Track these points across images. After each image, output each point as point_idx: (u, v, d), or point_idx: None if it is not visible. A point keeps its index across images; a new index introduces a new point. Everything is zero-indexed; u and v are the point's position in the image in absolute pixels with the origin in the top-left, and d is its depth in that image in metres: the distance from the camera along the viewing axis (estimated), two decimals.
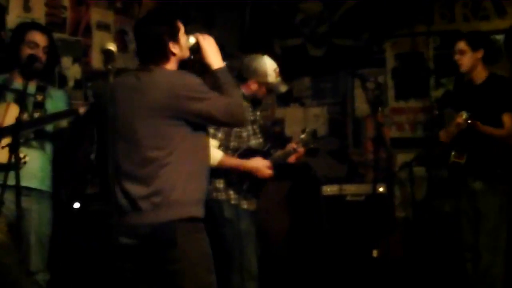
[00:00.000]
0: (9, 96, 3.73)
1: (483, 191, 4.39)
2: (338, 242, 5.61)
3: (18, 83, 3.75)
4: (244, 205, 4.06)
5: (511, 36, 5.82)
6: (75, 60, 4.99)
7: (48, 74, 4.07)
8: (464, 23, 6.03)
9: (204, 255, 2.92)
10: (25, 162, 3.53)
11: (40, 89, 3.81)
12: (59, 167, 3.91)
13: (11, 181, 3.20)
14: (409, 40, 6.30)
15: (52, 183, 3.85)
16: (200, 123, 2.94)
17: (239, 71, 4.14)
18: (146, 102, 2.84)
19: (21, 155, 3.46)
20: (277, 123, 6.73)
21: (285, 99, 6.67)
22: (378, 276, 4.88)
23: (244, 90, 4.08)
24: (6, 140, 3.29)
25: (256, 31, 6.48)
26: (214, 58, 3.03)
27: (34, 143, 3.74)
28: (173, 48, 2.95)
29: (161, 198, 2.82)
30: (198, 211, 2.93)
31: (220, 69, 3.02)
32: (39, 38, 3.77)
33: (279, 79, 4.19)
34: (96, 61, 5.14)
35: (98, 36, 5.22)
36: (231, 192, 4.04)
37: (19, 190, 3.21)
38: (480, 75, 4.47)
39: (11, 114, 3.48)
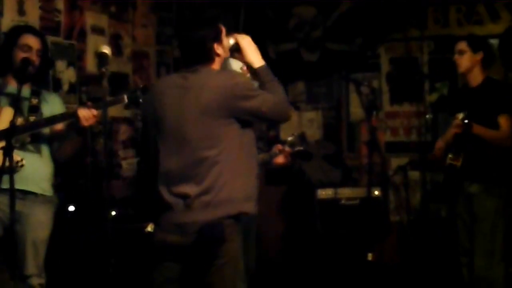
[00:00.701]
0: (3, 100, 3.70)
1: (478, 195, 4.37)
2: (333, 246, 5.61)
3: (12, 87, 3.73)
4: None
5: (505, 41, 5.85)
6: (69, 64, 4.98)
7: (42, 78, 4.06)
8: (458, 28, 6.06)
9: (240, 247, 2.98)
10: (22, 166, 3.52)
11: (35, 93, 3.80)
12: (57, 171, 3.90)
13: (5, 185, 3.19)
14: (403, 45, 6.33)
15: (51, 187, 3.83)
16: (249, 120, 2.97)
17: None
18: (198, 102, 2.87)
19: (18, 159, 3.46)
20: (272, 128, 6.73)
21: None
22: (373, 280, 4.89)
23: None
24: (1, 144, 3.28)
25: (250, 36, 6.47)
26: (254, 57, 3.10)
27: (30, 146, 3.72)
28: (218, 49, 3.00)
29: (211, 196, 2.86)
30: (250, 207, 2.97)
31: (261, 67, 3.09)
32: (32, 41, 3.75)
33: (248, 75, 4.20)
34: (91, 65, 5.14)
35: (92, 40, 5.22)
36: None
37: (13, 193, 3.20)
38: (477, 78, 4.45)
39: (6, 118, 3.45)
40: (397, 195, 6.17)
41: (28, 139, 3.69)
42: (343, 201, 5.76)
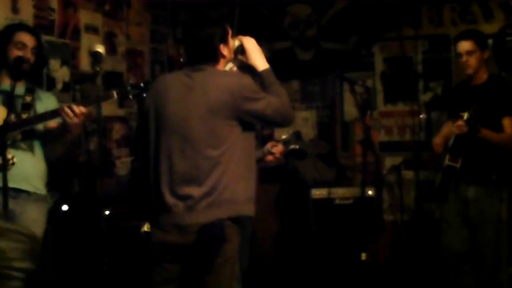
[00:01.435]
0: None
1: (477, 199, 4.28)
2: (327, 245, 5.61)
3: (6, 84, 3.72)
4: None
5: (499, 41, 5.86)
6: (63, 63, 4.96)
7: (36, 76, 4.04)
8: (452, 27, 6.06)
9: (238, 248, 3.00)
10: (13, 163, 3.50)
11: (29, 91, 3.79)
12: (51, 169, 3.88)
13: None
14: (398, 44, 6.33)
15: (45, 185, 3.81)
16: (252, 123, 2.97)
17: None
18: (204, 100, 2.86)
19: (9, 157, 3.44)
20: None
21: None
22: (367, 279, 4.88)
23: None
24: None
25: (245, 34, 6.47)
26: (258, 59, 3.08)
27: (22, 144, 3.69)
28: (223, 50, 2.99)
29: (213, 198, 2.86)
30: (250, 210, 2.98)
31: (265, 70, 3.06)
32: (27, 39, 3.74)
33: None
34: (85, 63, 5.12)
35: (86, 39, 5.20)
36: None
37: (6, 191, 3.19)
38: (482, 75, 4.32)
39: None
40: (391, 195, 6.18)
41: (19, 136, 3.67)
42: (337, 201, 5.76)
